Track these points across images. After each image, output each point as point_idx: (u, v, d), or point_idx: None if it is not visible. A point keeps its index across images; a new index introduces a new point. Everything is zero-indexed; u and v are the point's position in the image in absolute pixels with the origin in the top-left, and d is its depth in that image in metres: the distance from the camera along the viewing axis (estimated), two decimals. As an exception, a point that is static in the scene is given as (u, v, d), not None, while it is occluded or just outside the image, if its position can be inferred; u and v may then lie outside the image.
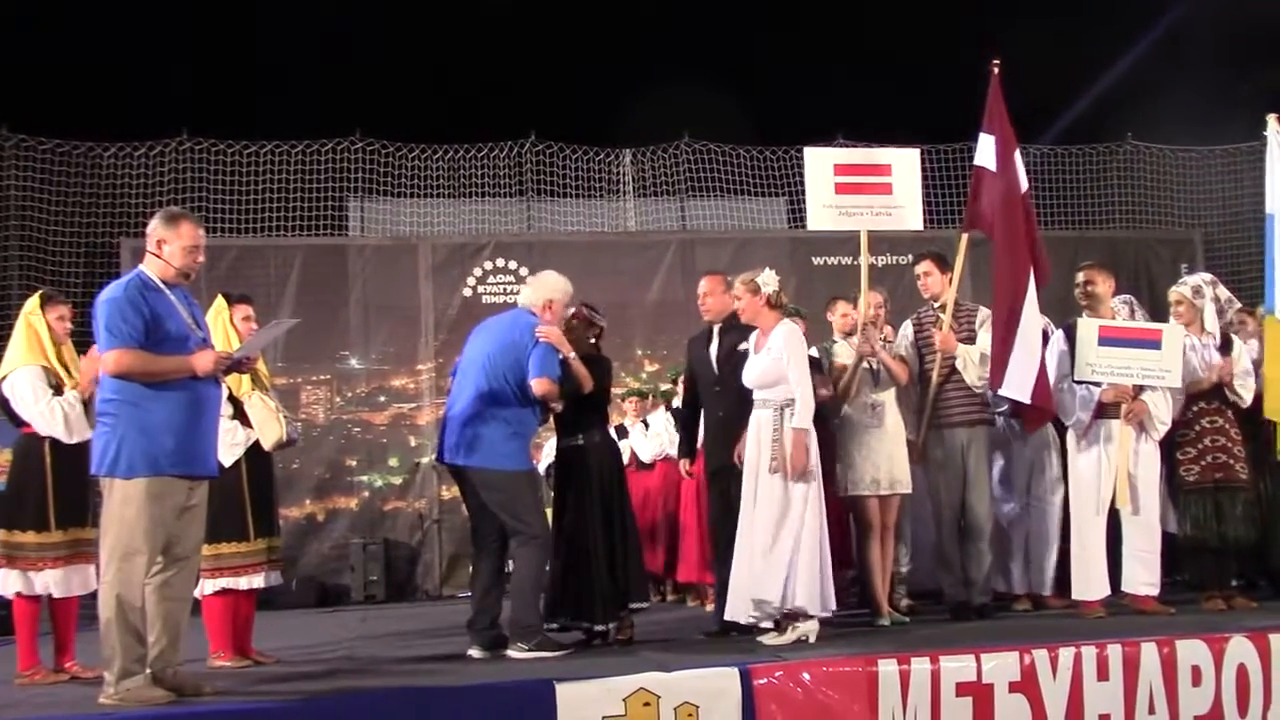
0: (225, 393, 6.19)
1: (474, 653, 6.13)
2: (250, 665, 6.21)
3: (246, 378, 6.25)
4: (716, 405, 6.63)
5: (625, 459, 9.07)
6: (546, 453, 9.97)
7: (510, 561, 6.35)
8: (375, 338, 11.70)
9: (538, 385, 6.13)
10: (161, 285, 5.10)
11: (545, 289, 6.45)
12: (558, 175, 12.31)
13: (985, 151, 7.11)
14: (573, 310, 6.70)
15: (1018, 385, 6.71)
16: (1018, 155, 7.10)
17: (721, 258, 11.81)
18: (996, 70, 7.14)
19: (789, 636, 5.92)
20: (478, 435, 6.16)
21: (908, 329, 7.26)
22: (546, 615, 6.35)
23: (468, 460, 6.18)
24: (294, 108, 12.83)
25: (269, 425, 6.31)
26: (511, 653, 5.97)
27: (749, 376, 6.26)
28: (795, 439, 5.99)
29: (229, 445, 6.21)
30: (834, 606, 6.09)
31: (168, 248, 5.12)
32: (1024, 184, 7.07)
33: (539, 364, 6.17)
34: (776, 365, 6.13)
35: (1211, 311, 7.10)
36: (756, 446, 6.12)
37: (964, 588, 6.95)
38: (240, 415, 6.32)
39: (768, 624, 6.03)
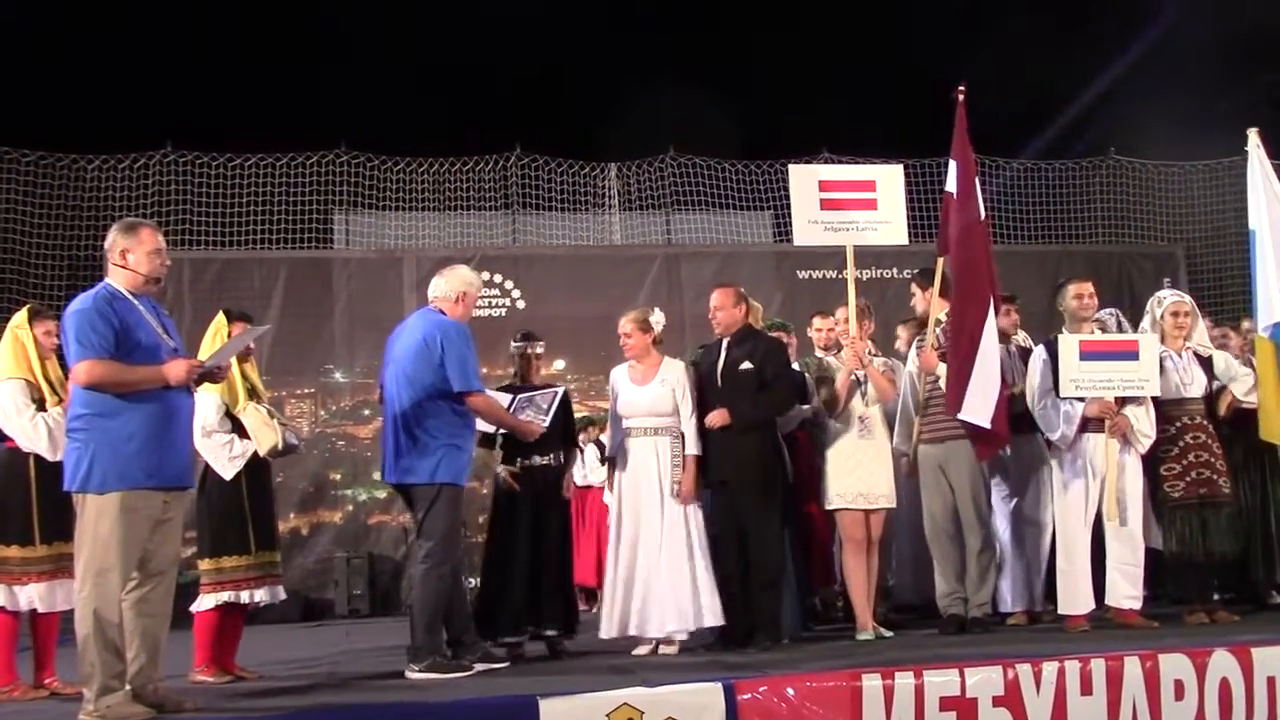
0: (223, 408, 6.20)
1: (478, 665, 6.09)
2: (232, 680, 6.17)
3: (242, 390, 6.24)
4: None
5: None
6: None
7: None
8: (360, 351, 11.67)
9: (472, 404, 6.04)
10: (129, 295, 5.07)
11: (459, 281, 6.31)
12: (543, 188, 12.32)
13: (952, 177, 7.15)
14: (524, 350, 6.94)
15: (976, 410, 6.67)
16: (978, 183, 7.12)
17: (706, 271, 11.84)
18: (962, 97, 7.15)
19: (675, 649, 6.41)
20: (408, 449, 5.98)
21: (913, 349, 7.31)
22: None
23: (402, 477, 6.04)
24: (279, 120, 12.81)
25: (264, 432, 6.25)
26: (408, 674, 5.91)
27: (638, 406, 6.62)
28: (691, 465, 6.53)
29: (228, 459, 6.21)
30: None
31: (132, 256, 5.08)
32: (982, 212, 7.09)
33: (460, 374, 5.98)
34: (671, 396, 6.60)
35: (1202, 327, 7.14)
36: (656, 471, 6.52)
37: (953, 601, 6.93)
38: (237, 428, 6.29)
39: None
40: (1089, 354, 6.67)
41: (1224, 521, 6.76)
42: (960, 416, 6.70)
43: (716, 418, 6.53)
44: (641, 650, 6.50)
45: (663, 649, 6.48)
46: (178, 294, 10.71)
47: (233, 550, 6.20)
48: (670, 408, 6.62)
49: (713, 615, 6.42)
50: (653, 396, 6.62)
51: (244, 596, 6.21)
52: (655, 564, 6.44)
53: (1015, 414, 6.93)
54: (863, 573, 6.79)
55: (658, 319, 6.81)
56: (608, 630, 6.52)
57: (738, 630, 6.52)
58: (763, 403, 6.65)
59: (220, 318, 6.43)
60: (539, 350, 7.06)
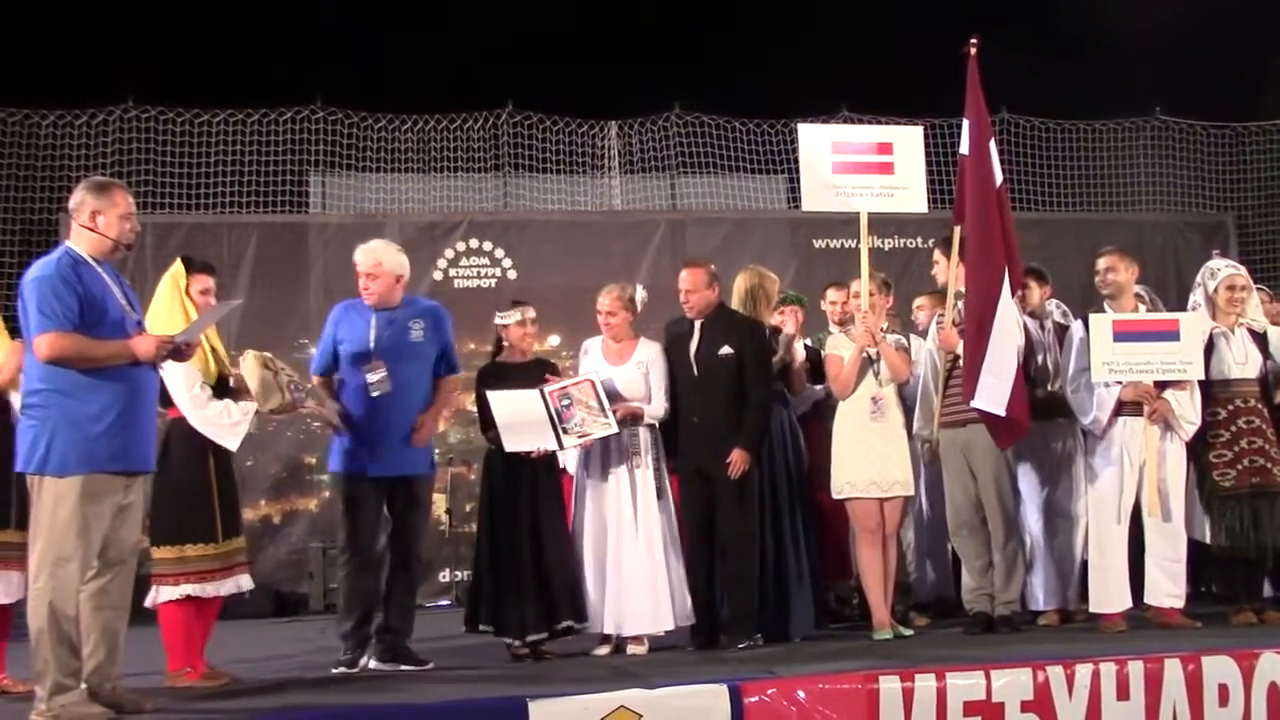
0: (199, 379, 6.04)
1: (370, 662, 6.42)
2: (227, 683, 6.02)
3: (211, 358, 6.11)
4: (693, 407, 6.77)
5: None
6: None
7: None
8: (338, 324, 11.63)
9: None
10: (93, 261, 5.06)
11: (357, 258, 6.69)
12: (537, 149, 12.26)
13: (965, 139, 7.13)
14: (515, 322, 6.88)
15: (991, 396, 6.64)
16: (993, 145, 7.10)
17: (714, 239, 11.81)
18: (974, 50, 7.12)
19: (644, 648, 6.62)
20: None
21: (933, 325, 7.30)
22: (468, 621, 6.73)
23: None
24: (249, 73, 12.74)
25: (269, 386, 6.07)
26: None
27: (612, 387, 6.70)
28: (637, 412, 6.73)
29: (230, 426, 6.06)
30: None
31: (103, 218, 5.07)
32: (999, 177, 7.07)
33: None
34: (645, 379, 6.79)
35: (1256, 301, 7.14)
36: (629, 459, 6.70)
37: (979, 598, 6.93)
38: (226, 392, 6.15)
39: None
40: (1124, 334, 6.65)
41: (1278, 514, 6.77)
42: (974, 404, 6.69)
43: (741, 464, 6.62)
44: (603, 650, 6.68)
45: (631, 648, 6.64)
46: (139, 261, 10.66)
47: (199, 538, 6.04)
48: (644, 392, 6.78)
49: (685, 615, 6.70)
50: (628, 378, 6.79)
51: (209, 589, 6.05)
52: (629, 559, 6.63)
53: (1043, 398, 6.95)
54: (878, 566, 6.80)
55: (641, 296, 6.93)
56: (595, 626, 6.69)
57: (715, 627, 6.71)
58: (755, 414, 6.73)
59: (178, 266, 6.19)
60: (530, 315, 6.96)
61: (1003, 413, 6.64)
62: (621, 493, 6.71)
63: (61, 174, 11.20)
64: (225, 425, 6.05)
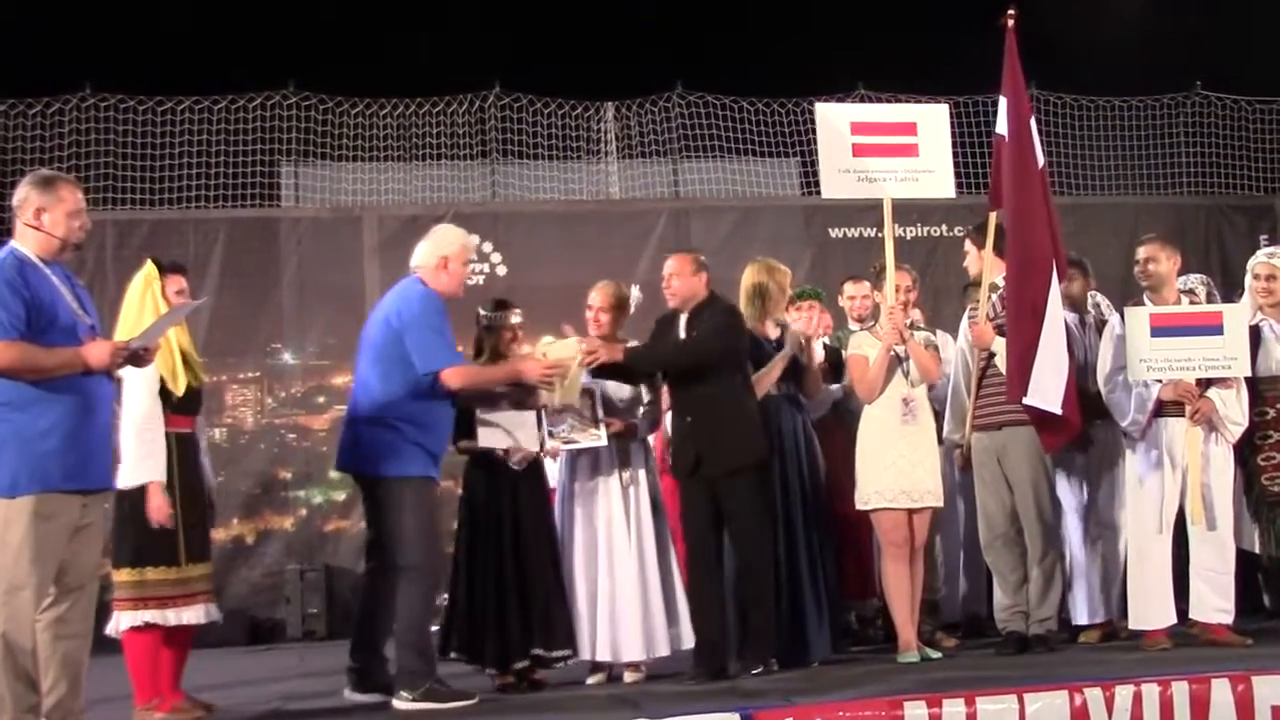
0: (158, 385, 6.00)
1: (348, 694, 6.26)
2: (202, 715, 6.04)
3: (179, 361, 6.09)
4: (685, 407, 6.74)
5: None
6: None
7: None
8: (313, 327, 11.62)
9: (450, 379, 6.15)
10: (40, 263, 5.06)
11: (440, 243, 6.47)
12: (527, 133, 12.26)
13: (1002, 117, 7.15)
14: (508, 318, 6.91)
15: (1045, 393, 6.64)
16: (1034, 124, 7.13)
17: (721, 229, 11.81)
18: (1011, 23, 7.13)
19: (641, 675, 6.69)
20: (360, 435, 6.23)
21: (964, 320, 7.31)
22: (439, 649, 6.57)
23: (352, 462, 6.32)
24: (217, 58, 12.76)
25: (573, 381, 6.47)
26: (396, 702, 6.00)
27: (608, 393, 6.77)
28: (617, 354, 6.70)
29: (147, 458, 5.99)
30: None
31: (48, 216, 5.07)
32: (1040, 158, 7.10)
33: (420, 353, 6.12)
34: (636, 385, 6.84)
35: None
36: (616, 473, 6.75)
37: (1013, 616, 6.94)
38: (195, 403, 6.17)
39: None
40: (1162, 329, 6.64)
41: (1330, 522, 6.79)
42: (1026, 401, 6.68)
43: (602, 353, 6.60)
44: (596, 679, 6.72)
45: (627, 676, 6.68)
46: (99, 261, 10.70)
47: (158, 560, 6.04)
48: (631, 397, 6.87)
49: (678, 639, 6.73)
50: (615, 383, 6.82)
51: (169, 616, 6.03)
52: (622, 582, 6.66)
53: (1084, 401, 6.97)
54: (905, 583, 6.80)
55: (636, 296, 6.99)
56: (585, 653, 6.68)
57: (719, 651, 6.64)
58: (676, 347, 6.73)
59: (149, 268, 6.21)
60: (506, 320, 6.96)
61: (1058, 410, 6.64)
62: (614, 510, 6.73)
63: (14, 169, 11.16)
64: (147, 456, 5.99)
